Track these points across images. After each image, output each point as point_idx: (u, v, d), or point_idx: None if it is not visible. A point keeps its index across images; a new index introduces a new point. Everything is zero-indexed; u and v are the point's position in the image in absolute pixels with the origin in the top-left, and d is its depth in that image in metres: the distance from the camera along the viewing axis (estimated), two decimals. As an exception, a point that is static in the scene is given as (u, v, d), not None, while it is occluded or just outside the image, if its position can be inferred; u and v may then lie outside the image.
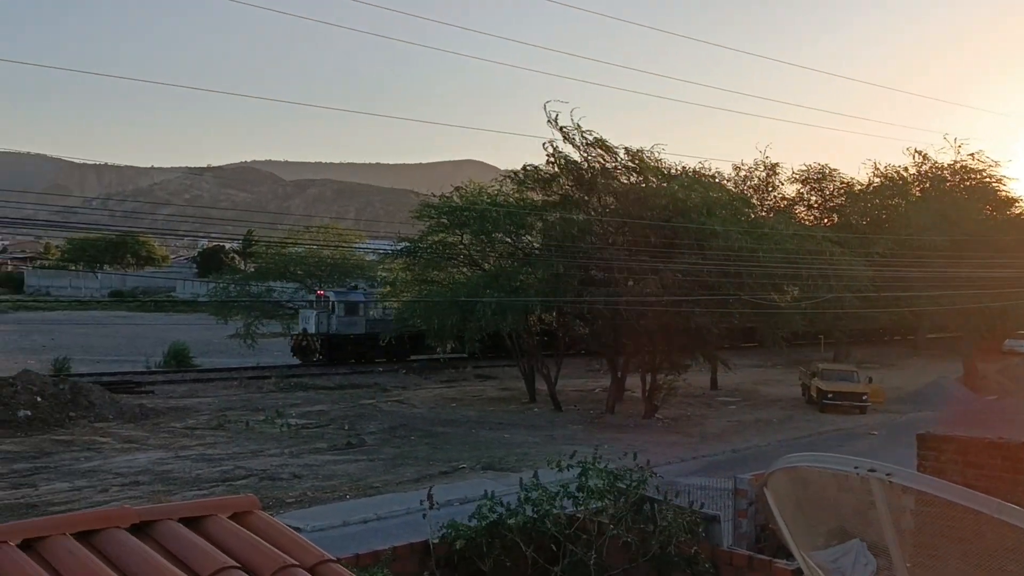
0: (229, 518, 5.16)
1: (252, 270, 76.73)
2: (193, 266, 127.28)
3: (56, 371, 42.05)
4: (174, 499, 20.15)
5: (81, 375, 42.30)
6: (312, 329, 51.21)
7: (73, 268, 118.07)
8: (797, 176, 50.33)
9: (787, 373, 51.89)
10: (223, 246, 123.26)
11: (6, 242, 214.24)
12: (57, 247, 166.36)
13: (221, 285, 61.95)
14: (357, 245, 67.94)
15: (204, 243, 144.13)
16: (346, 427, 32.21)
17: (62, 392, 32.79)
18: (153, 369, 48.06)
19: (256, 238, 74.76)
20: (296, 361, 51.34)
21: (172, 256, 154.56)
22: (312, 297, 53.31)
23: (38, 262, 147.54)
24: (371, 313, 51.79)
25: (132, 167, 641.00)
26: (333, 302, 51.45)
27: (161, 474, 23.79)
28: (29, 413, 30.70)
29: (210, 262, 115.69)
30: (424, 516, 10.77)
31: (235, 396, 40.44)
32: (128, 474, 23.76)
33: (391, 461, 26.27)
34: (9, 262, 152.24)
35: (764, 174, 48.48)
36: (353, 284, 55.49)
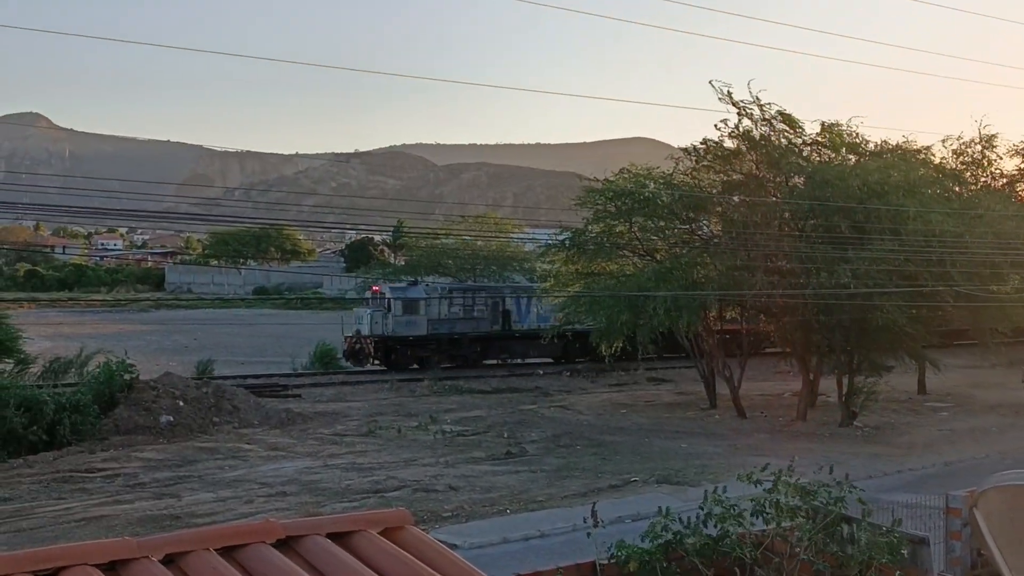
0: (380, 534, 5.25)
1: (402, 263, 78.29)
2: (341, 260, 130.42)
3: (199, 373, 43.83)
4: (322, 512, 20.69)
5: (225, 377, 43.94)
6: (366, 330, 49.78)
7: (215, 263, 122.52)
8: (1018, 149, 48.20)
9: (1008, 374, 49.85)
10: (371, 238, 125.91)
11: (146, 236, 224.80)
12: (199, 241, 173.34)
13: (370, 280, 63.41)
14: (515, 235, 68.49)
15: (352, 235, 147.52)
16: (505, 435, 32.49)
17: (205, 396, 34.12)
18: (300, 371, 49.52)
19: (406, 228, 76.04)
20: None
21: (318, 249, 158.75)
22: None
23: (179, 257, 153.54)
24: (440, 310, 50.83)
25: (276, 154, 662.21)
26: (389, 299, 50.23)
27: (309, 484, 24.46)
28: (171, 419, 32.06)
29: (358, 255, 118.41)
30: (588, 535, 10.74)
31: (386, 400, 41.31)
32: (274, 484, 24.52)
33: (555, 472, 26.37)
34: (149, 258, 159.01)
35: (980, 147, 46.59)
36: (412, 279, 54.73)
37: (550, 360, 53.13)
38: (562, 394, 43.95)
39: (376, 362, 50.29)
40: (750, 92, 36.03)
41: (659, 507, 11.21)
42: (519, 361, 52.98)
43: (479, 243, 64.95)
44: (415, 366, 50.67)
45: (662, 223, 38.85)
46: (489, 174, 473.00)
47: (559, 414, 37.83)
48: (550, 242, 43.70)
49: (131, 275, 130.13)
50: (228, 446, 29.86)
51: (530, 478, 25.62)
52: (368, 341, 49.68)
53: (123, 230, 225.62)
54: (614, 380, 49.06)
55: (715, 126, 36.49)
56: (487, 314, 52.22)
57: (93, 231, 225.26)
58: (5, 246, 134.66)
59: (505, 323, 52.35)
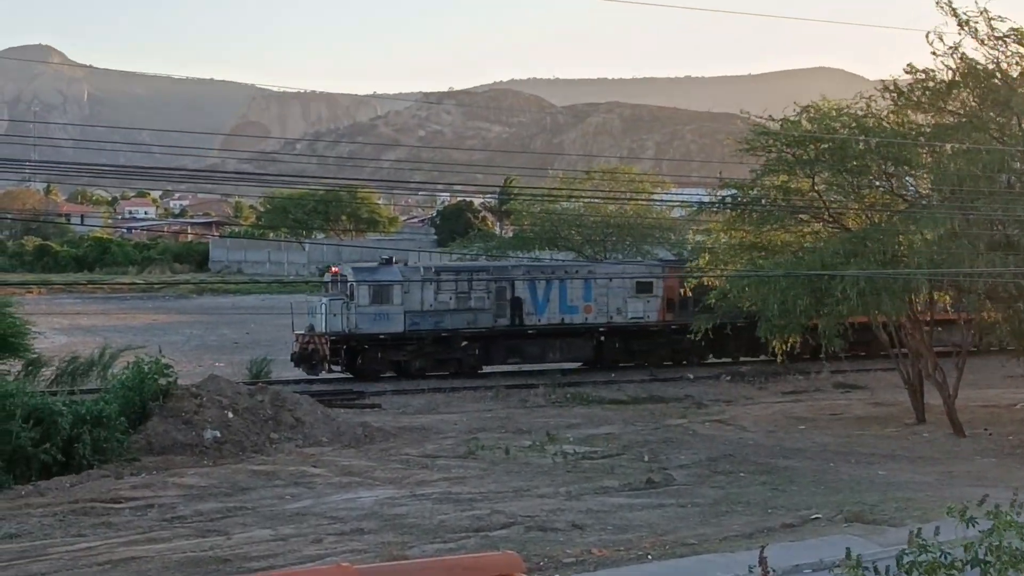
0: (481, 583, 5.29)
1: (510, 235, 78.48)
2: (431, 231, 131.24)
3: (252, 377, 44.55)
4: (409, 555, 20.86)
5: (285, 382, 44.54)
6: (321, 326, 48.65)
7: (272, 236, 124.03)
8: None
9: None
10: (470, 201, 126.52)
11: (185, 202, 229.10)
12: (251, 207, 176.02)
13: (469, 257, 63.66)
14: (658, 197, 68.20)
15: (445, 198, 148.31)
16: (646, 457, 32.39)
17: (261, 406, 34.63)
18: (381, 375, 50.07)
19: (516, 189, 76.16)
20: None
21: (403, 217, 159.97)
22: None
23: (226, 229, 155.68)
24: (423, 299, 49.53)
25: (348, 96, 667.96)
26: (352, 284, 48.80)
27: (392, 519, 24.64)
28: (218, 434, 32.61)
29: (454, 224, 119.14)
30: (758, 587, 10.70)
31: (490, 412, 41.49)
32: (348, 519, 24.76)
33: (711, 507, 26.21)
34: (189, 229, 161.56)
35: None
36: (386, 257, 52.40)
37: (579, 365, 53.19)
38: (720, 405, 43.73)
39: (334, 368, 48.75)
40: (975, 2, 35.34)
41: (847, 551, 11.10)
42: (529, 368, 52.07)
43: (610, 207, 64.77)
44: (388, 374, 49.36)
45: (856, 179, 38.29)
46: (623, 117, 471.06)
47: (716, 431, 37.63)
48: (705, 200, 43.19)
49: (166, 251, 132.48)
50: (290, 470, 30.23)
51: (678, 514, 25.50)
52: (323, 341, 48.27)
53: (156, 194, 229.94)
54: (789, 386, 48.66)
55: (926, 37, 35.77)
56: (489, 303, 51.03)
57: (119, 196, 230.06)
58: (9, 215, 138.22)
59: (515, 315, 51.53)
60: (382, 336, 48.90)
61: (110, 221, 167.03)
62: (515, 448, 33.56)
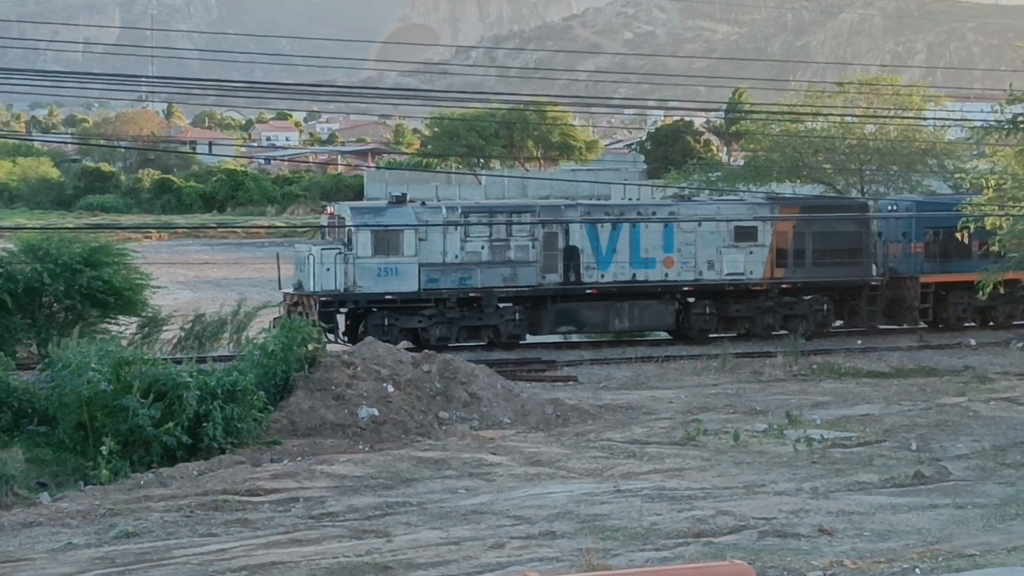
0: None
1: (738, 162, 77.89)
2: (640, 158, 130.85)
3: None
4: (612, 564, 20.93)
5: (458, 348, 44.87)
6: (311, 284, 47.09)
7: (439, 167, 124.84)
8: None
9: None
10: (690, 121, 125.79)
11: (334, 126, 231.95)
12: (415, 132, 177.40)
13: (687, 190, 63.38)
14: (930, 114, 67.07)
15: (658, 117, 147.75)
16: (913, 445, 32.05)
17: (427, 378, 34.97)
18: (574, 339, 50.15)
19: (747, 105, 75.58)
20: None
21: (604, 142, 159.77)
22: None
23: (384, 158, 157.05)
24: (445, 249, 47.87)
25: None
26: (350, 229, 47.54)
27: (590, 520, 24.71)
28: (376, 412, 33.01)
29: (668, 150, 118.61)
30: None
31: (714, 388, 41.35)
32: (536, 519, 24.90)
33: (997, 509, 25.85)
34: (340, 159, 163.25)
35: None
36: (397, 194, 50.15)
37: (665, 336, 51.98)
38: (1009, 378, 42.92)
39: (328, 336, 45.98)
40: None
41: None
42: (618, 337, 51.13)
43: (869, 128, 63.92)
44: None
45: None
46: (886, 13, 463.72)
47: (1005, 411, 36.99)
48: (990, 120, 42.36)
49: (312, 187, 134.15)
50: (463, 457, 30.50)
51: (955, 517, 25.21)
52: (312, 302, 46.61)
53: (300, 116, 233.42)
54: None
55: None
56: (535, 255, 49.19)
57: (254, 119, 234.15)
58: (123, 143, 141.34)
59: (570, 270, 49.52)
60: (389, 296, 47.30)
61: (243, 150, 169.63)
62: (746, 433, 33.38)
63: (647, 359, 46.22)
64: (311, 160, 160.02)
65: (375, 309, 47.35)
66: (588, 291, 49.40)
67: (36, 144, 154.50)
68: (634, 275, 49.48)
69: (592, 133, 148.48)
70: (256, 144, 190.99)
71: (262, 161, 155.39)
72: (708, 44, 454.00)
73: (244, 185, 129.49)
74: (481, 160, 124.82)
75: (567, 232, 49.47)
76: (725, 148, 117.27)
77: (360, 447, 31.66)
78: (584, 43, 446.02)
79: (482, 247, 48.31)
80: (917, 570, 21.62)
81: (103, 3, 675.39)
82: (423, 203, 51.37)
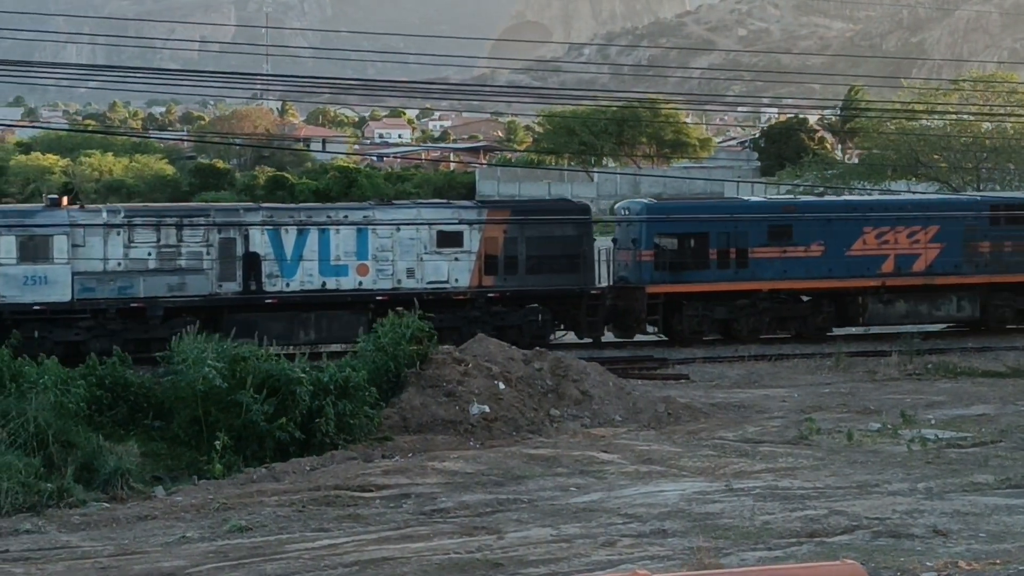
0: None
1: (852, 160, 77.45)
2: (753, 156, 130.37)
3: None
4: (724, 564, 20.85)
5: (568, 346, 44.87)
6: None
7: (553, 164, 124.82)
8: None
9: None
10: (804, 118, 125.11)
11: (447, 123, 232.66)
12: (527, 128, 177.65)
13: (799, 189, 63.17)
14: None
15: (772, 115, 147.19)
16: (1031, 446, 31.77)
17: (538, 375, 35.03)
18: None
19: (863, 102, 75.17)
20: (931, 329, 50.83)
21: (718, 140, 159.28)
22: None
23: (498, 156, 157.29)
24: (106, 254, 45.02)
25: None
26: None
27: (702, 519, 24.65)
28: (487, 409, 33.08)
29: (783, 147, 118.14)
30: None
31: (827, 387, 41.16)
32: (647, 517, 24.85)
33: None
34: (452, 156, 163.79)
35: None
36: (54, 196, 48.95)
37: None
38: None
39: None
40: None
41: None
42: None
43: (986, 125, 63.40)
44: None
45: None
46: (1004, 8, 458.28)
47: None
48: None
49: (425, 183, 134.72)
50: (574, 455, 30.52)
51: (1076, 520, 24.91)
52: None
53: (412, 114, 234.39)
54: None
55: None
56: (211, 262, 46.69)
57: (367, 116, 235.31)
58: (237, 140, 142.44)
59: (250, 279, 46.97)
60: (37, 307, 44.28)
61: (357, 147, 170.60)
62: (860, 432, 33.20)
63: (760, 357, 46.15)
64: (423, 157, 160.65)
65: (18, 322, 43.53)
66: (268, 301, 46.87)
67: (153, 141, 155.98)
68: (324, 284, 47.20)
69: (705, 130, 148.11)
70: (369, 141, 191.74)
71: (375, 158, 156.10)
72: (822, 41, 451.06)
73: (357, 182, 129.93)
74: (593, 157, 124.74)
75: (247, 237, 46.92)
76: (840, 146, 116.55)
77: (471, 444, 31.77)
78: (697, 40, 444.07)
79: (149, 253, 45.71)
80: (1034, 573, 21.41)
81: (219, 2, 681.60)
82: (81, 206, 48.96)
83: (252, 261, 46.41)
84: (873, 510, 25.33)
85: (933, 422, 34.66)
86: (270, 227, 47.14)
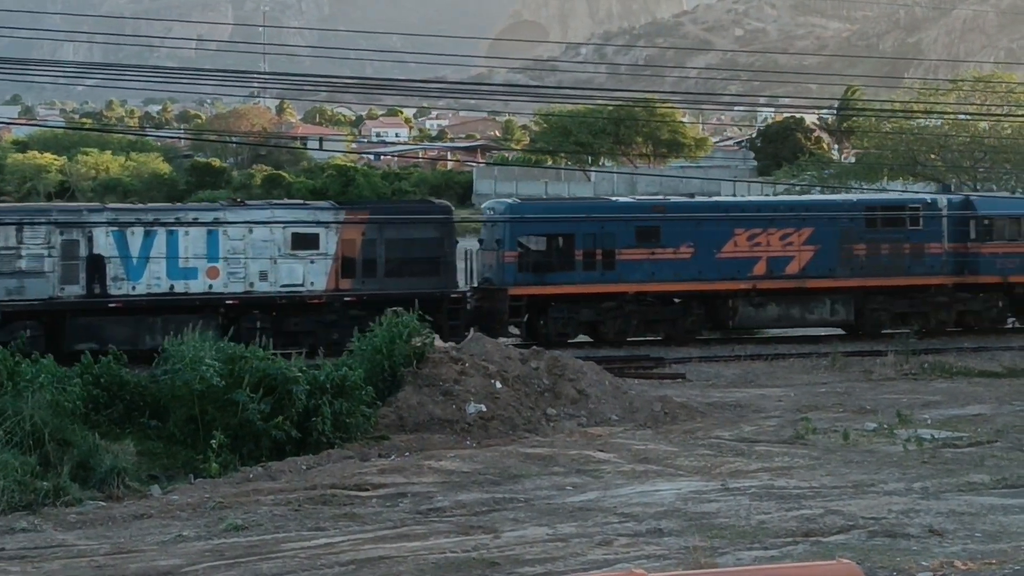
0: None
1: (849, 160, 77.52)
2: (750, 155, 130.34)
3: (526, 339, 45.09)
4: (719, 563, 20.87)
5: (565, 345, 44.89)
6: None
7: (550, 163, 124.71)
8: None
9: None
10: (800, 118, 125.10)
11: (444, 122, 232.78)
12: (523, 128, 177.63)
13: (796, 189, 63.20)
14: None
15: (768, 115, 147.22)
16: (1026, 446, 31.80)
17: (535, 374, 35.05)
18: (686, 336, 50.17)
19: (859, 101, 75.21)
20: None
21: (715, 139, 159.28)
22: None
23: (494, 154, 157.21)
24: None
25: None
26: None
27: (698, 518, 24.68)
28: (483, 408, 33.10)
29: (779, 147, 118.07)
30: None
31: (824, 386, 41.22)
32: (643, 516, 24.88)
33: None
34: (449, 155, 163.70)
35: None
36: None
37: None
38: None
39: None
40: None
41: None
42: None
43: (983, 125, 63.44)
44: None
45: None
46: (1000, 9, 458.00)
47: None
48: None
49: (421, 182, 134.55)
50: (571, 454, 30.54)
51: (1072, 520, 24.93)
52: None
53: (409, 112, 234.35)
54: None
55: None
56: (52, 265, 45.50)
57: (364, 115, 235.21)
58: (234, 139, 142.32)
59: (94, 283, 45.83)
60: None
61: (354, 145, 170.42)
62: (856, 432, 33.25)
63: (756, 357, 46.19)
64: (420, 156, 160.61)
65: None
66: (113, 304, 45.72)
67: (150, 140, 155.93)
68: (172, 287, 46.22)
69: (702, 130, 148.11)
70: (366, 140, 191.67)
71: (372, 157, 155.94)
72: (819, 41, 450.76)
73: (354, 180, 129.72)
74: (590, 157, 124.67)
75: (91, 239, 45.67)
76: (837, 146, 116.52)
77: (468, 443, 31.80)
78: (694, 40, 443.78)
79: None
80: (1030, 574, 21.43)
81: (216, 0, 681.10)
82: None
83: (96, 263, 45.27)
84: (869, 510, 25.38)
85: (929, 422, 34.68)
86: (115, 228, 45.95)
